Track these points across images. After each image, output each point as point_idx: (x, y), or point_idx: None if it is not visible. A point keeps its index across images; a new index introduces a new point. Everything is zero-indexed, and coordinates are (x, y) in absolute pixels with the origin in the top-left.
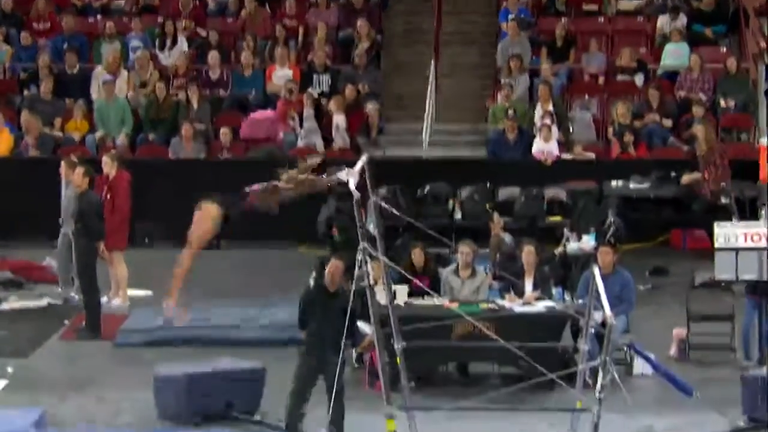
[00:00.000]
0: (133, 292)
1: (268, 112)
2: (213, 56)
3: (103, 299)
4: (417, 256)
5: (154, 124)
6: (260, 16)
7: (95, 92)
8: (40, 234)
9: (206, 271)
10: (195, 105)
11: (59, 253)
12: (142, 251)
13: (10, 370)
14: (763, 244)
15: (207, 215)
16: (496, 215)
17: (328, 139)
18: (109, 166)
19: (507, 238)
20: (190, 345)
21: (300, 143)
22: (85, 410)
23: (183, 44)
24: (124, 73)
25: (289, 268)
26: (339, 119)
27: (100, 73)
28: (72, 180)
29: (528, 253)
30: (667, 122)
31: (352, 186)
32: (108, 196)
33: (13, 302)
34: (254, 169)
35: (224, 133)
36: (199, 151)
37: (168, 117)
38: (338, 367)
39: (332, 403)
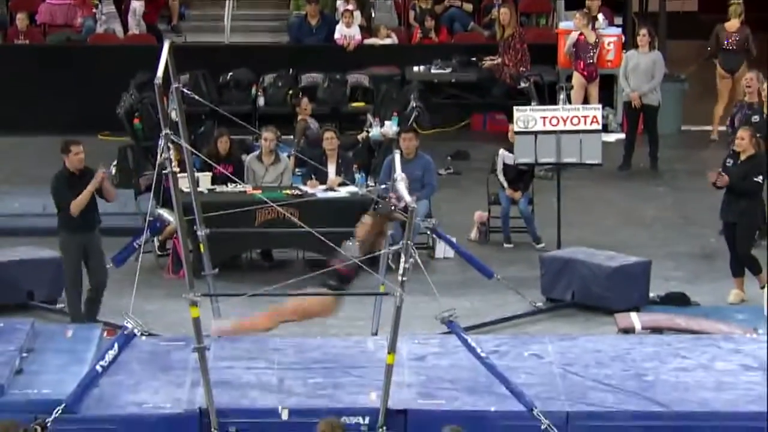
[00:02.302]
0: None
1: None
2: None
3: None
4: (223, 143)
5: None
6: None
7: None
8: None
9: (8, 158)
10: None
11: None
12: None
13: None
14: (560, 127)
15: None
16: (305, 99)
17: (126, 25)
18: None
19: (313, 123)
20: None
21: (99, 29)
22: None
23: None
24: None
25: (90, 156)
26: (137, 5)
27: None
28: None
29: (329, 139)
30: (468, 6)
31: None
32: None
33: None
34: (51, 56)
35: (20, 18)
36: None
37: None
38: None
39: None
